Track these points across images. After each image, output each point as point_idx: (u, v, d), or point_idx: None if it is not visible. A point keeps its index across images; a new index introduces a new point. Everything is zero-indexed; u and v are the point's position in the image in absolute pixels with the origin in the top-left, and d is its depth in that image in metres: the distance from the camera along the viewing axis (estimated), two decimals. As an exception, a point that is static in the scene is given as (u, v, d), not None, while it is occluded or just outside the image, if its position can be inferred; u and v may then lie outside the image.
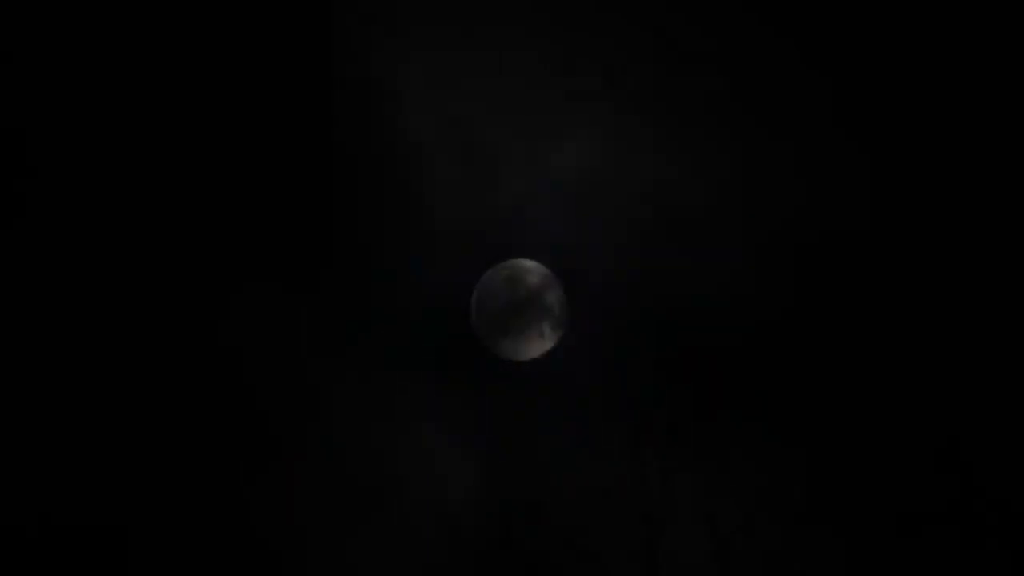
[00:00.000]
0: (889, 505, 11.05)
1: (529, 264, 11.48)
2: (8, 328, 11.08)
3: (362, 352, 11.42)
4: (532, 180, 11.46)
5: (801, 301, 11.23)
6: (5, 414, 10.96)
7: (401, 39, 11.44)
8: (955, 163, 11.17)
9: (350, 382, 11.38)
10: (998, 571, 10.88)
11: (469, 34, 11.46)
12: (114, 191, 11.32)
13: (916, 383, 11.17)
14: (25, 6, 11.13)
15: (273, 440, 11.23)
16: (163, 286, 11.20)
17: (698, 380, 11.28)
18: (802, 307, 11.21)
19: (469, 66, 11.50)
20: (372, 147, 11.45)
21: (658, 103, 11.37)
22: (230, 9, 11.28)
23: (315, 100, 11.44)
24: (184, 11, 11.32)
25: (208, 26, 11.30)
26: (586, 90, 11.40)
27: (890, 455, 11.13)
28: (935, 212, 11.18)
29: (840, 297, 11.30)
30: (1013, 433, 11.03)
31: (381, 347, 11.41)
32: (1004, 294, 11.18)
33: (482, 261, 11.49)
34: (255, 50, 11.36)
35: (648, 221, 11.30)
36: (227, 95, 11.36)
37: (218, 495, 11.04)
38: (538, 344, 11.45)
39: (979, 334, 11.17)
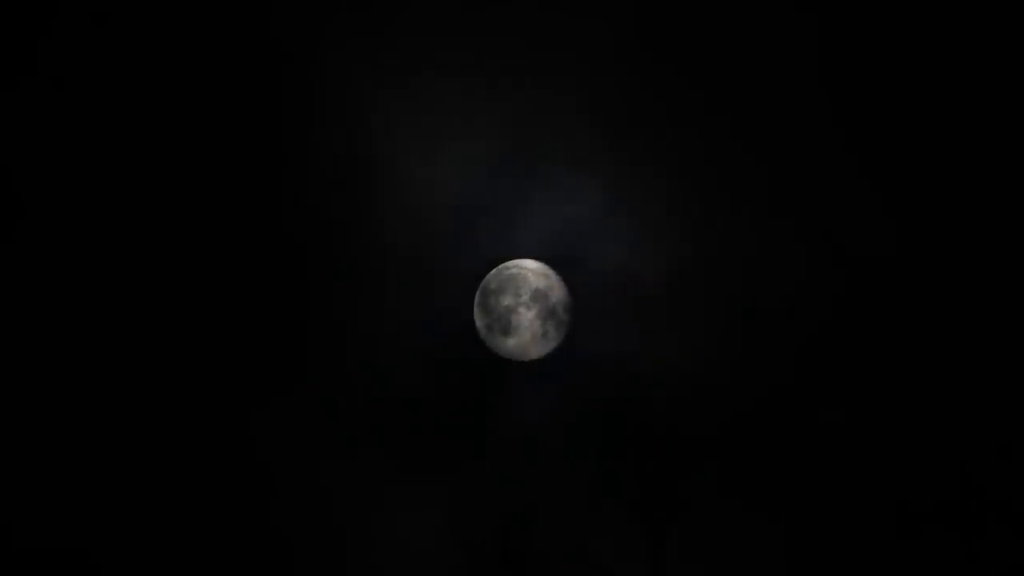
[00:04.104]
0: (889, 505, 11.06)
1: (533, 264, 11.48)
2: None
3: (365, 356, 11.45)
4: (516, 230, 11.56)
5: (799, 362, 11.32)
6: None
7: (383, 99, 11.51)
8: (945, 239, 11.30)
9: (353, 403, 11.42)
10: (997, 571, 10.89)
11: (434, 106, 11.53)
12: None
13: (915, 390, 11.21)
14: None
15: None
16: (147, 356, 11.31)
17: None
18: (800, 366, 11.31)
19: (438, 130, 11.57)
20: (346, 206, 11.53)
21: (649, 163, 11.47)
22: (193, 94, 11.34)
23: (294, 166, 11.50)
24: (154, 79, 11.38)
25: (178, 101, 11.37)
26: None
27: (890, 456, 11.15)
28: (914, 301, 11.30)
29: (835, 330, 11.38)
30: (1012, 434, 11.05)
31: (389, 351, 11.44)
32: (996, 299, 11.23)
33: (484, 261, 11.50)
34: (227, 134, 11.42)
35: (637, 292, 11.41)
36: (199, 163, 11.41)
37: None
38: (541, 344, 11.44)
39: (973, 344, 11.22)
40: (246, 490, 11.23)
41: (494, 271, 11.46)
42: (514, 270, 11.43)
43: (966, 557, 10.92)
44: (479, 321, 11.42)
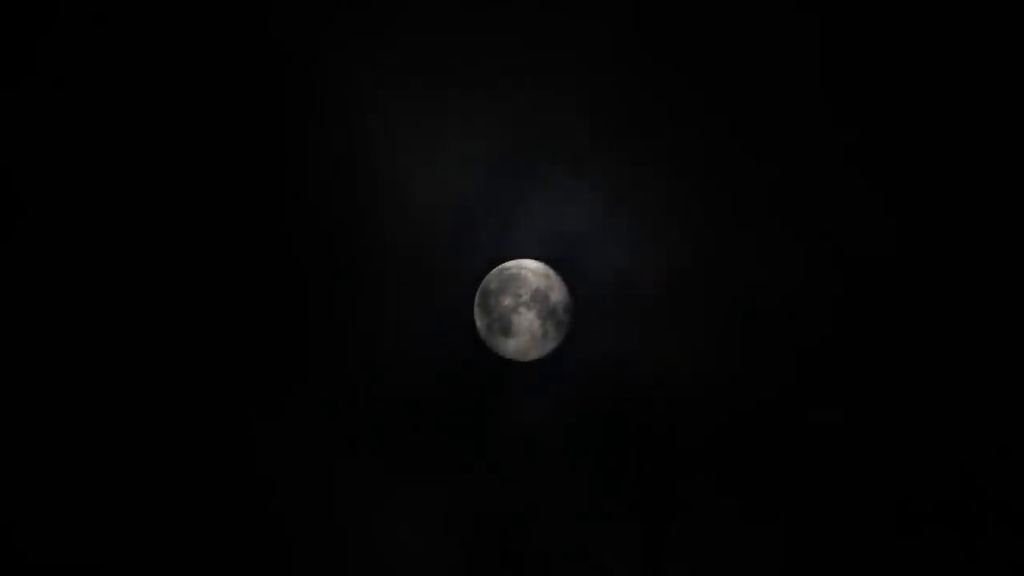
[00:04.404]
0: (889, 505, 11.06)
1: (533, 264, 11.46)
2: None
3: (365, 356, 11.45)
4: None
5: (799, 370, 11.33)
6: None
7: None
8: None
9: (353, 403, 11.43)
10: (997, 571, 10.89)
11: (441, 108, 11.52)
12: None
13: (917, 388, 11.21)
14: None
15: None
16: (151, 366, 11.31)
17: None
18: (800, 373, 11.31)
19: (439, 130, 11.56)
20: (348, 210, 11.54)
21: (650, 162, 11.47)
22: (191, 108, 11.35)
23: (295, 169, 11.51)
24: (154, 79, 11.38)
25: (178, 101, 11.37)
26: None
27: (890, 456, 11.15)
28: (909, 310, 11.30)
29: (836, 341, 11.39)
30: (1013, 434, 11.04)
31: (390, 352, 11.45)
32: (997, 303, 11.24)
33: (484, 261, 11.49)
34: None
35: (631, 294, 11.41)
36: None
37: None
38: (541, 344, 11.43)
39: (973, 344, 11.22)
40: (245, 490, 11.24)
41: (494, 271, 11.45)
42: (514, 270, 11.42)
43: (966, 557, 10.92)
44: (479, 321, 11.42)
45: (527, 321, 11.35)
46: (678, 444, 11.28)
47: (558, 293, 11.40)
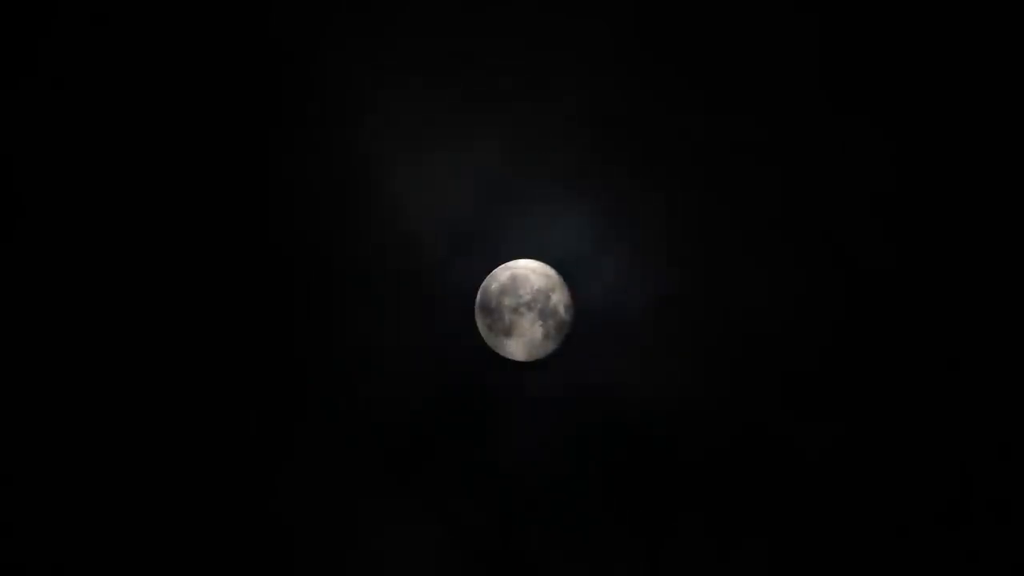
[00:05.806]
0: (890, 505, 11.09)
1: (534, 265, 11.47)
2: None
3: (364, 357, 11.46)
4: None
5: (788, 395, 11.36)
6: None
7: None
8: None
9: (352, 404, 11.45)
10: (997, 571, 10.92)
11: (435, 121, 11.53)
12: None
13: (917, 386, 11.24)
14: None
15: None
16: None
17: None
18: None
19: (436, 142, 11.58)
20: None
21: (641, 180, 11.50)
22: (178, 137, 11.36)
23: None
24: (154, 79, 11.39)
25: (178, 102, 11.38)
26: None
27: (890, 455, 11.17)
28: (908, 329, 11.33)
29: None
30: (1013, 433, 11.07)
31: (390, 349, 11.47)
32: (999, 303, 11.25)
33: (484, 263, 11.50)
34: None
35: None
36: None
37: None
38: (541, 345, 11.44)
39: (973, 345, 11.24)
40: (244, 491, 11.24)
41: (495, 271, 11.47)
42: (515, 271, 11.43)
43: (966, 557, 10.95)
44: (480, 322, 11.43)
45: (528, 321, 11.36)
46: (679, 445, 11.29)
47: (559, 293, 11.41)
